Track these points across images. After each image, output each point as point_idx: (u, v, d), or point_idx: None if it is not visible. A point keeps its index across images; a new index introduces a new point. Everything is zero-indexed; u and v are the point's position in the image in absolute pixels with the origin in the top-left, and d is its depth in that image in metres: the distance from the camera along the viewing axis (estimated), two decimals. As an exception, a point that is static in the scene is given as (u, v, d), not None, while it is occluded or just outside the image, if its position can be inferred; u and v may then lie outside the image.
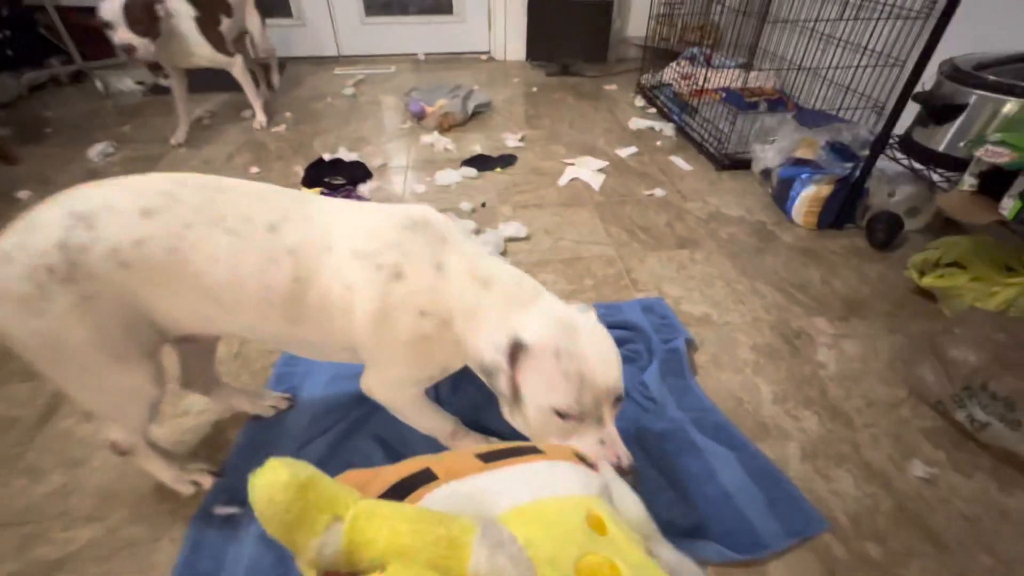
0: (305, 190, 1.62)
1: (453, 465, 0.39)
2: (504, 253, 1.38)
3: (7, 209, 1.62)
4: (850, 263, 1.37)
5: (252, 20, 2.23)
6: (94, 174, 1.81)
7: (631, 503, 0.48)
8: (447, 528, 0.24)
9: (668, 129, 2.09)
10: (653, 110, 2.30)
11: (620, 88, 2.57)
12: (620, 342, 1.09)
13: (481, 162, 1.82)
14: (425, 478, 0.36)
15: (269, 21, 2.87)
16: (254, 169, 1.83)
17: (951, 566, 0.75)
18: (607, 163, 1.85)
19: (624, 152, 1.93)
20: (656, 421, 0.94)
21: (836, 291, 1.28)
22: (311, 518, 0.23)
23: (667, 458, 0.88)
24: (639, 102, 2.38)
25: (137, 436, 0.74)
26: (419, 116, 2.09)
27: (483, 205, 1.60)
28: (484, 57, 3.01)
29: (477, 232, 1.46)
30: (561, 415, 0.60)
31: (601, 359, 0.61)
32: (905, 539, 0.78)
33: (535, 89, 2.55)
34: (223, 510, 0.80)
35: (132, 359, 0.63)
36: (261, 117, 2.14)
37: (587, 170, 1.79)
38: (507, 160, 1.84)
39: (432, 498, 0.34)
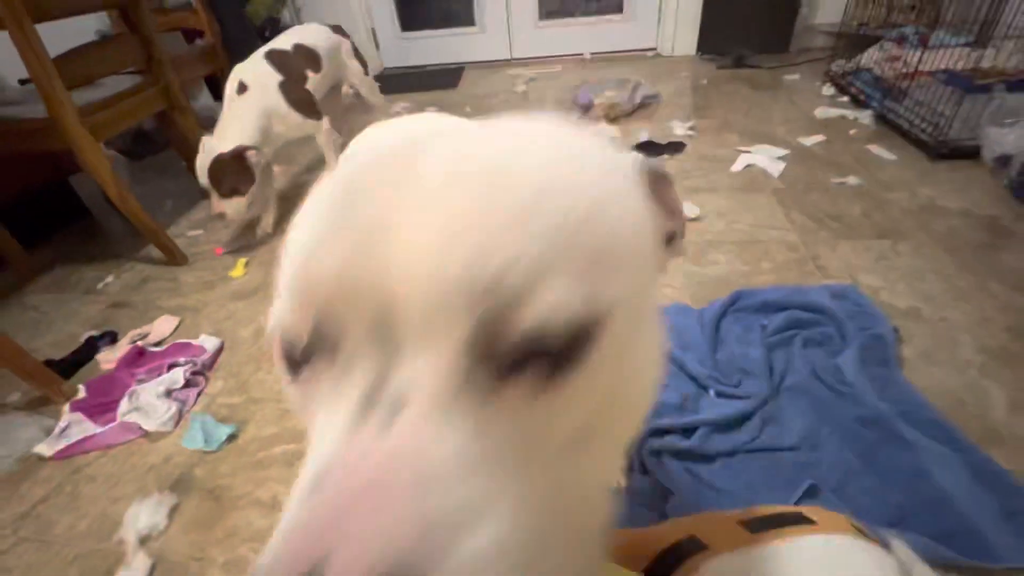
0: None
1: (716, 532, 0.35)
2: (674, 231, 1.37)
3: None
4: None
5: (352, 69, 1.91)
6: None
7: None
8: None
9: (864, 117, 1.86)
10: (845, 98, 2.07)
11: (803, 78, 2.36)
12: (805, 324, 1.02)
13: (648, 148, 1.82)
14: (693, 547, 0.34)
15: (452, 31, 3.22)
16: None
17: None
18: (788, 151, 1.72)
19: (809, 141, 1.78)
20: (853, 407, 0.85)
21: (1107, 299, 1.03)
22: None
23: (866, 446, 0.80)
24: (827, 90, 2.16)
25: None
26: (586, 107, 2.17)
27: (650, 188, 1.60)
28: (650, 54, 2.99)
29: (645, 211, 1.46)
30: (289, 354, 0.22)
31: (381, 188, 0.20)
32: None
33: (705, 82, 2.47)
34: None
35: None
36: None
37: (764, 157, 1.68)
38: (675, 147, 1.82)
39: (706, 572, 0.32)
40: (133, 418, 1.00)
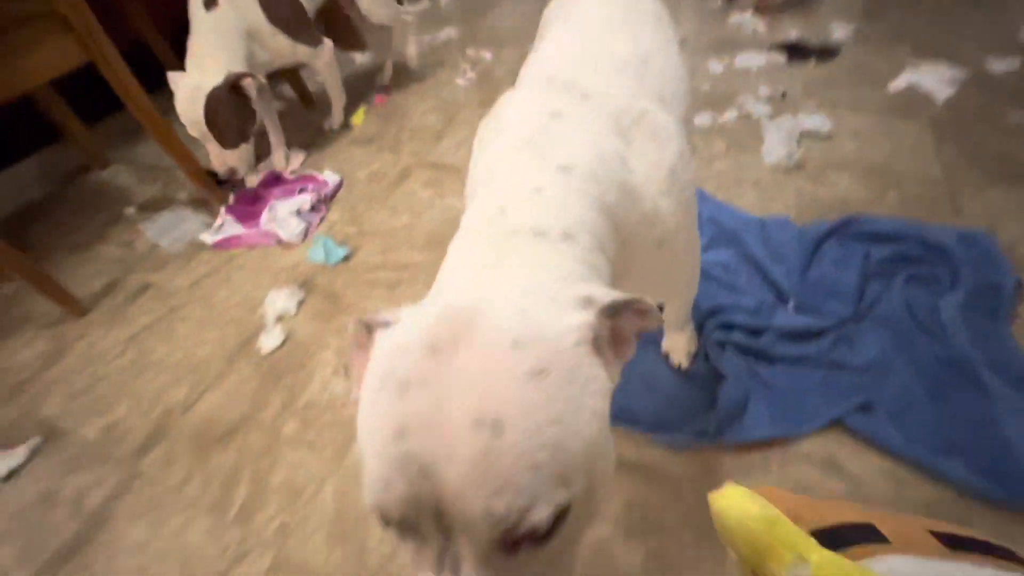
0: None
1: (902, 530, 0.31)
2: (798, 143, 1.27)
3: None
4: None
5: None
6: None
7: None
8: None
9: (1090, 44, 1.50)
10: (1073, 17, 1.65)
11: (1025, -16, 1.89)
12: (915, 260, 0.96)
13: (794, 50, 1.61)
14: (870, 535, 0.31)
15: None
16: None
17: None
18: (967, 75, 1.45)
19: (999, 64, 1.48)
20: (937, 346, 0.83)
21: None
22: (778, 552, 0.25)
23: (939, 384, 0.79)
24: (1051, 4, 1.73)
25: None
26: (734, -7, 1.91)
27: (783, 96, 1.45)
28: (829, -66, 2.49)
29: (770, 118, 1.35)
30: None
31: (440, 409, 0.30)
32: None
33: (889, -24, 2.06)
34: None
35: None
36: (335, 119, 1.54)
37: (933, 78, 1.44)
38: (827, 53, 1.59)
39: (884, 566, 0.29)
40: (271, 227, 1.19)
